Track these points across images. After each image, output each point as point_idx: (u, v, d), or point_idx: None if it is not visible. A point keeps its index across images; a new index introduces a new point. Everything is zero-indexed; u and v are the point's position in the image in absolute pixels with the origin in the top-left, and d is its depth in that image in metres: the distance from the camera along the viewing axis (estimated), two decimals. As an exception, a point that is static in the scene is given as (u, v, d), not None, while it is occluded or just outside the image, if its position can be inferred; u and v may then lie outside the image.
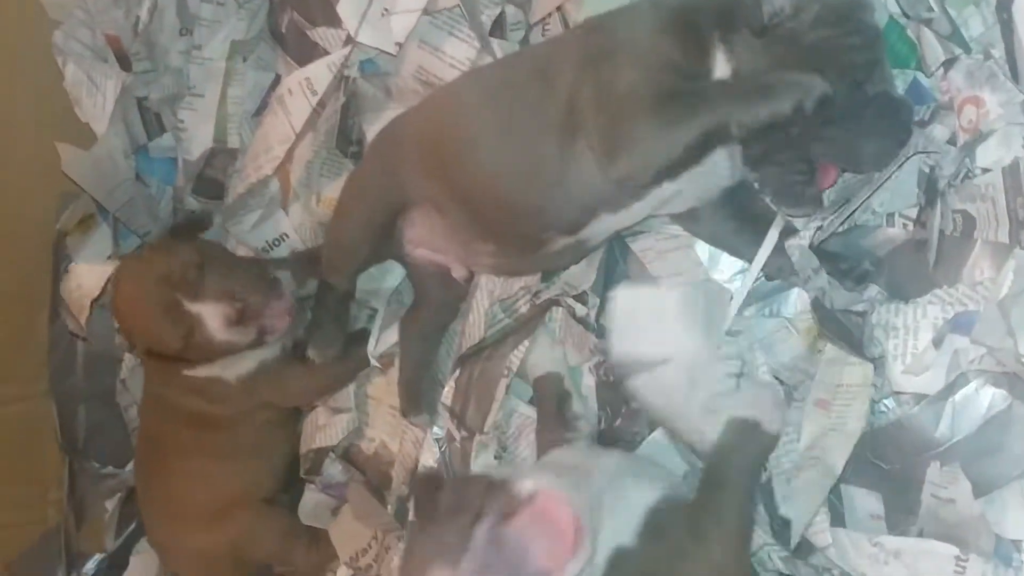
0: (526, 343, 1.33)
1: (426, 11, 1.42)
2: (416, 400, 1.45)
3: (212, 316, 1.35)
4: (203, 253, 1.39)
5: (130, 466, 1.83)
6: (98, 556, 1.87)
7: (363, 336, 1.50)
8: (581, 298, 1.30)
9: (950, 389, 1.04)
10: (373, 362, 1.50)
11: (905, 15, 1.10)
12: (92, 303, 1.54)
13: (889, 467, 1.09)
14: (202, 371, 1.46)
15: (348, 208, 1.42)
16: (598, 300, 1.28)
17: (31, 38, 1.69)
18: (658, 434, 1.23)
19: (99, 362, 1.85)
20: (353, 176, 1.45)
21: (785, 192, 1.09)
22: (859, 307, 1.10)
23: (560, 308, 1.32)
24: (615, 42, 1.11)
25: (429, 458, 1.41)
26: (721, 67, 1.07)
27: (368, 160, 1.42)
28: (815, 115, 0.98)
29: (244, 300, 1.37)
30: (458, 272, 1.40)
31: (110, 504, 1.88)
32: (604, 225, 1.18)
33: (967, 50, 1.06)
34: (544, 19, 1.36)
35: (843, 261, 1.13)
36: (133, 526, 1.87)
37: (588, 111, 1.09)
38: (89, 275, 1.55)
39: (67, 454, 1.87)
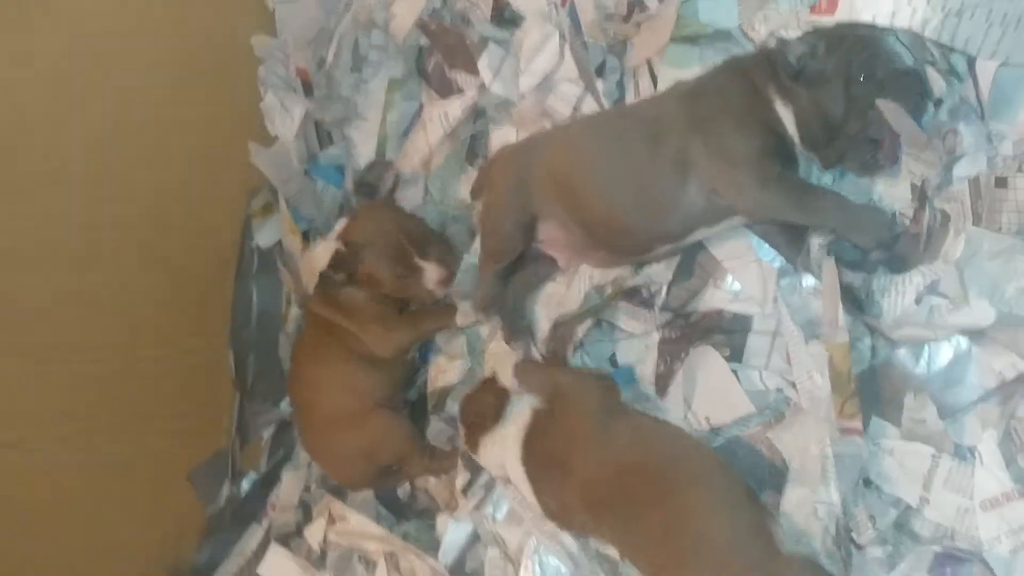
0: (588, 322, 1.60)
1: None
2: (517, 332, 1.69)
3: (432, 273, 1.68)
4: (429, 229, 1.70)
5: (284, 404, 2.09)
6: (254, 474, 2.11)
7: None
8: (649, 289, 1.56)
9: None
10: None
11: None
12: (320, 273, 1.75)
13: (881, 395, 1.32)
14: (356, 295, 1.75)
15: (495, 223, 1.63)
16: (665, 288, 1.53)
17: (238, 72, 2.02)
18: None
19: (268, 320, 2.10)
20: (492, 198, 1.65)
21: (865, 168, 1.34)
22: (856, 282, 1.34)
23: (622, 301, 1.57)
24: (710, 111, 1.35)
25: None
26: (782, 110, 1.33)
27: (501, 184, 1.61)
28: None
29: (449, 268, 1.69)
30: (564, 264, 1.65)
31: (266, 433, 2.12)
32: (700, 235, 1.45)
33: (960, 79, 1.30)
34: (637, 67, 1.62)
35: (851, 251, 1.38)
36: (281, 453, 2.11)
37: (702, 161, 1.36)
38: (323, 253, 1.74)
39: (238, 391, 2.09)
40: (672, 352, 1.53)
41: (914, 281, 1.28)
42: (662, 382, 1.53)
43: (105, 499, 1.86)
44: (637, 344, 1.59)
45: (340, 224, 1.78)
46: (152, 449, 1.97)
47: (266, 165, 1.96)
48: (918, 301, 1.27)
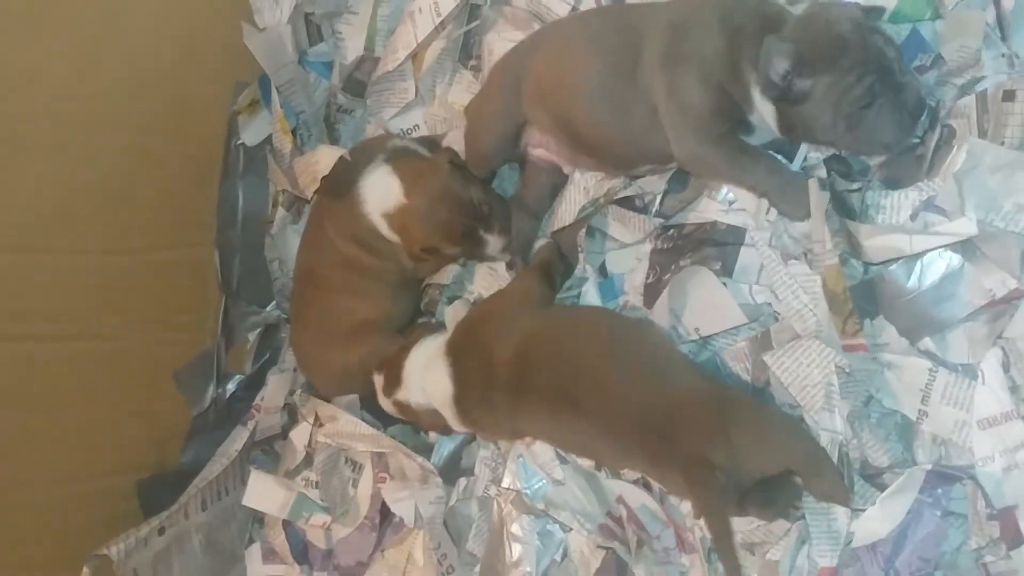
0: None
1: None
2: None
3: (495, 243, 1.66)
4: (484, 190, 1.67)
5: (270, 307, 2.10)
6: (239, 376, 2.11)
7: None
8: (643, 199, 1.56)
9: (918, 254, 1.28)
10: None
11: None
12: (321, 179, 1.72)
13: (871, 310, 1.34)
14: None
15: (482, 121, 1.66)
16: (658, 198, 1.54)
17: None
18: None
19: (254, 222, 2.07)
20: (483, 96, 1.68)
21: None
22: (855, 186, 1.33)
23: (615, 205, 1.57)
24: (684, 52, 1.34)
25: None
26: (760, 103, 1.30)
27: (496, 83, 1.63)
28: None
29: (509, 231, 1.67)
30: (567, 168, 1.65)
31: (252, 336, 2.12)
32: None
33: None
34: None
35: (845, 164, 1.39)
36: (267, 355, 2.13)
37: (661, 98, 1.36)
38: (328, 156, 1.71)
39: (223, 292, 2.07)
40: (663, 263, 1.55)
41: (910, 196, 1.29)
42: (651, 292, 1.54)
43: (91, 396, 1.86)
44: (628, 254, 1.60)
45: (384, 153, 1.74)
46: (138, 348, 1.96)
47: (259, 49, 1.89)
48: (913, 217, 1.29)
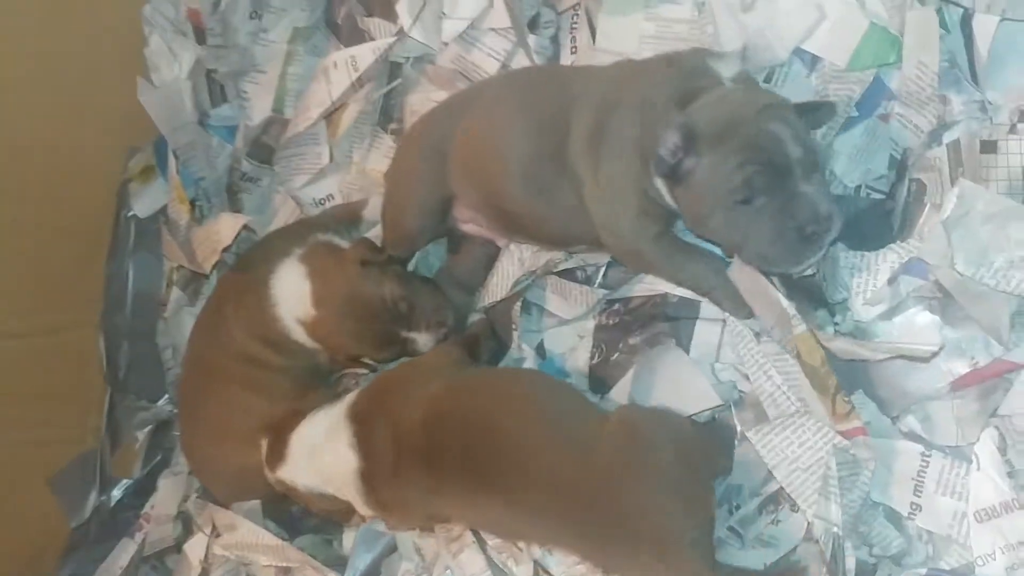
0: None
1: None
2: None
3: (426, 341, 1.52)
4: (404, 285, 1.52)
5: (162, 401, 1.93)
6: (126, 481, 1.94)
7: None
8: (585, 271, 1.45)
9: (892, 311, 1.18)
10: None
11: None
12: (222, 251, 1.61)
13: (847, 384, 1.20)
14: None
15: (403, 196, 1.53)
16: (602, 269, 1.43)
17: (120, 9, 1.84)
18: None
19: (145, 303, 1.93)
20: (401, 166, 1.56)
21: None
22: (808, 271, 1.22)
23: (554, 276, 1.47)
24: (609, 135, 1.24)
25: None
26: (660, 185, 1.20)
27: (414, 152, 1.51)
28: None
29: (442, 325, 1.53)
30: (502, 242, 1.54)
31: (141, 435, 1.95)
32: None
33: (947, 30, 1.22)
34: (572, 8, 1.52)
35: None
36: (159, 457, 1.95)
37: (587, 187, 1.27)
38: (230, 226, 1.61)
39: (109, 384, 1.93)
40: (609, 341, 1.42)
41: (889, 258, 1.19)
42: (597, 373, 1.41)
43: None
44: (569, 331, 1.48)
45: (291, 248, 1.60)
46: (7, 448, 1.82)
47: (154, 107, 1.79)
48: (891, 281, 1.18)
